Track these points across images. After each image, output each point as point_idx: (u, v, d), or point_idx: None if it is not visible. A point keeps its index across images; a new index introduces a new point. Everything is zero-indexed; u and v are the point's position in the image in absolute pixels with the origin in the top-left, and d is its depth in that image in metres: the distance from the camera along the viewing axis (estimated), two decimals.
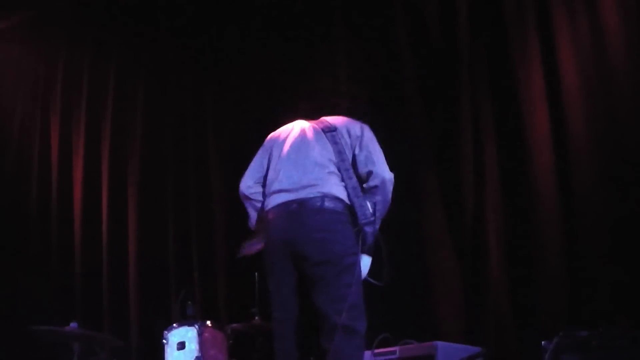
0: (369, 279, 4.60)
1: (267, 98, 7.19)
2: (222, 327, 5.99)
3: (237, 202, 6.94)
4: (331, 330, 4.25)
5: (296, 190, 4.48)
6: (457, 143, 6.22)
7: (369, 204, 4.50)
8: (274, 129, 4.92)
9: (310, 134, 4.70)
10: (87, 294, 8.13)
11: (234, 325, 6.09)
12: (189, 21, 8.01)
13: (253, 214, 4.78)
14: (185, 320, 5.92)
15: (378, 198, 4.54)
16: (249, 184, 4.76)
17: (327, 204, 4.41)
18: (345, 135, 4.63)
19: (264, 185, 4.72)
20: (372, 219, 4.47)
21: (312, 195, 4.43)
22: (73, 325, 6.22)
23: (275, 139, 4.80)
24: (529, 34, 5.99)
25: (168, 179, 7.86)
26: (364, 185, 4.55)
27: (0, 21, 9.26)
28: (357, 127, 4.69)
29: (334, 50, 7.00)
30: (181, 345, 5.75)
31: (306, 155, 4.59)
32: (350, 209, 4.46)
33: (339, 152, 4.57)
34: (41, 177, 8.83)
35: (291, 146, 4.67)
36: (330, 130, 4.66)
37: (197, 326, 5.76)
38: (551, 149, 5.74)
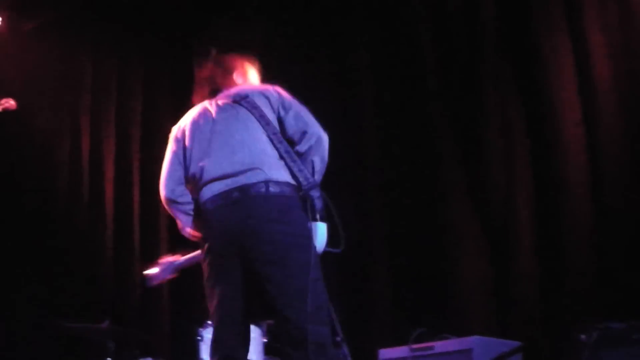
0: (328, 248, 4.09)
1: None
2: (258, 324, 5.98)
3: None
4: (295, 339, 3.82)
5: (232, 175, 3.99)
6: (485, 131, 6.19)
7: (307, 167, 4.10)
8: None
9: (223, 109, 4.20)
10: (120, 292, 8.17)
11: (270, 321, 6.08)
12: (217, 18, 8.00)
13: (186, 218, 4.21)
14: None
15: (316, 158, 4.14)
16: (171, 187, 4.21)
17: (273, 189, 3.93)
18: (262, 98, 4.18)
19: (188, 182, 4.21)
20: (314, 181, 4.05)
21: (254, 181, 3.94)
22: (106, 322, 6.27)
23: (184, 129, 4.29)
24: (557, 20, 5.94)
25: None
26: (297, 149, 4.11)
27: (27, 22, 9.30)
28: (270, 89, 4.24)
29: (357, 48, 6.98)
30: None
31: (229, 134, 4.11)
32: (296, 187, 4.00)
33: (262, 117, 4.11)
34: (72, 175, 8.87)
35: (209, 130, 4.16)
36: (242, 98, 4.18)
37: None
38: (582, 136, 5.70)
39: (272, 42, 7.34)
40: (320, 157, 4.17)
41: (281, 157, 4.06)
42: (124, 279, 8.13)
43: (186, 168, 4.22)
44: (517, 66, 6.10)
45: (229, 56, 4.62)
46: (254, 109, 4.13)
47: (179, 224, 4.26)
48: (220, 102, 4.27)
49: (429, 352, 5.27)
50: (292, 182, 4.03)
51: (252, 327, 5.76)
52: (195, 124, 4.27)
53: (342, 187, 6.79)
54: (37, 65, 9.27)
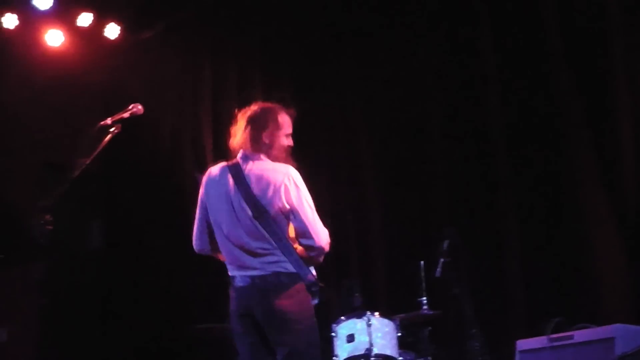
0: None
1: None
2: (391, 318, 5.94)
3: (394, 193, 6.95)
4: None
5: (245, 269, 4.62)
6: (615, 118, 6.02)
7: (311, 270, 4.61)
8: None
9: (241, 217, 4.65)
10: None
11: (402, 315, 6.04)
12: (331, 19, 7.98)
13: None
14: (352, 312, 5.91)
15: (318, 260, 4.65)
16: (200, 247, 4.93)
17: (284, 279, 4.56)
18: (276, 214, 4.61)
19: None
20: (315, 282, 4.56)
21: (267, 273, 4.56)
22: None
23: (207, 197, 4.86)
24: None
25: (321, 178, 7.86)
26: (305, 251, 4.61)
27: (145, 30, 9.49)
28: (281, 191, 4.62)
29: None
30: (350, 338, 5.72)
31: (242, 244, 4.63)
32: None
33: (274, 234, 4.57)
34: (196, 180, 8.97)
35: (226, 224, 4.69)
36: (260, 216, 4.60)
37: (366, 317, 5.72)
38: None
39: None
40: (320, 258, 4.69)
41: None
42: None
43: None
44: None
45: None
46: (267, 226, 4.61)
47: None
48: (242, 205, 4.70)
49: (568, 341, 5.14)
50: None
51: (386, 322, 5.77)
52: (217, 201, 4.85)
53: (471, 182, 6.74)
54: (158, 71, 9.44)
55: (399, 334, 5.84)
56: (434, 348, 6.10)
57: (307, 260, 4.62)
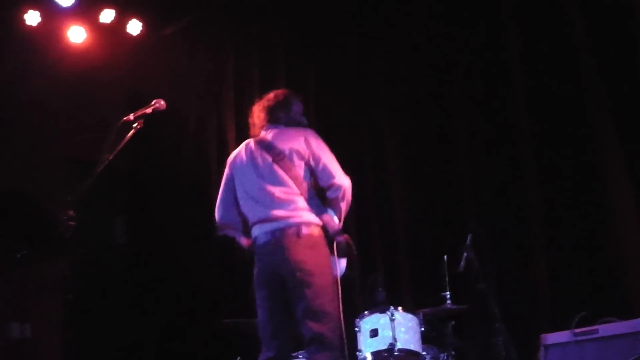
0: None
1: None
2: (414, 313, 5.93)
3: (417, 188, 6.93)
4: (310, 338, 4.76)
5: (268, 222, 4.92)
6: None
7: (334, 215, 4.93)
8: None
9: (261, 165, 5.03)
10: None
11: (425, 310, 6.03)
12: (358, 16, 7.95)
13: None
14: (376, 307, 5.90)
15: (342, 205, 4.94)
16: (220, 217, 5.32)
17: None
18: (295, 157, 4.95)
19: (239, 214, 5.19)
20: (339, 228, 4.92)
21: (288, 225, 4.86)
22: None
23: (233, 169, 5.25)
24: None
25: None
26: (327, 195, 4.95)
27: (167, 26, 9.52)
28: (301, 141, 5.00)
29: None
30: (374, 333, 5.69)
31: (264, 193, 4.97)
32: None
33: (295, 178, 4.92)
34: (220, 174, 8.96)
35: (249, 181, 5.07)
36: (280, 159, 4.96)
37: (389, 312, 5.71)
38: None
39: None
40: (345, 203, 4.99)
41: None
42: None
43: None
44: None
45: None
46: (288, 170, 4.96)
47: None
48: (263, 154, 5.11)
49: (593, 335, 5.12)
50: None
51: (410, 316, 5.76)
52: (242, 167, 5.25)
53: (496, 175, 6.71)
54: (181, 66, 9.47)
55: (423, 329, 5.82)
56: (458, 342, 6.08)
57: (332, 205, 4.91)
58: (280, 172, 4.94)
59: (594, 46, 6.23)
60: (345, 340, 4.85)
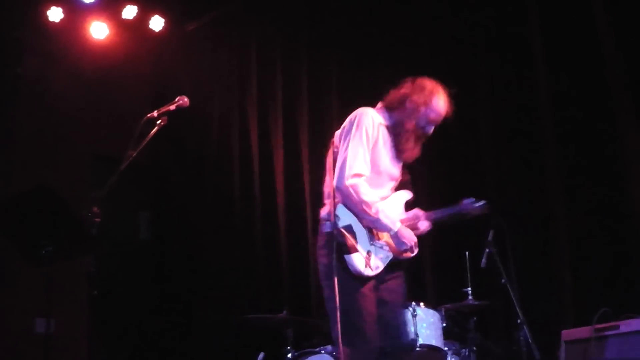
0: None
1: None
2: (436, 308, 5.95)
3: (440, 183, 6.92)
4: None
5: None
6: None
7: (340, 216, 4.70)
8: None
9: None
10: (295, 283, 8.25)
11: (447, 306, 6.04)
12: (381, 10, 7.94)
13: None
14: None
15: (337, 201, 4.67)
16: None
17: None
18: (335, 145, 4.83)
19: None
20: (330, 222, 4.63)
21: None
22: (284, 312, 6.38)
23: None
24: None
25: None
26: None
27: (190, 22, 9.56)
28: (345, 130, 4.85)
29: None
30: None
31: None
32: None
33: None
34: (243, 170, 9.01)
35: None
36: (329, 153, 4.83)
37: (411, 308, 5.72)
38: None
39: None
40: (344, 202, 4.72)
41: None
42: (299, 268, 8.20)
43: None
44: None
45: None
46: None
47: None
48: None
49: (614, 331, 5.09)
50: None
51: (431, 312, 5.78)
52: None
53: (518, 171, 6.70)
54: (204, 62, 9.51)
55: (444, 325, 5.85)
56: (479, 338, 6.09)
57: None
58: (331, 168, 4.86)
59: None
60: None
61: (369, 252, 4.72)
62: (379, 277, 4.77)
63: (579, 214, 6.29)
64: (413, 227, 4.93)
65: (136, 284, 9.32)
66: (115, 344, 8.62)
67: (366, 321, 4.63)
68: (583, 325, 5.28)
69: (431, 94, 4.91)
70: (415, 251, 4.85)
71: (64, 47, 9.03)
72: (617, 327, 5.08)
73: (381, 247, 4.79)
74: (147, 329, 9.17)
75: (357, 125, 4.78)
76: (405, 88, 4.99)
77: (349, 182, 4.66)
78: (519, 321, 5.38)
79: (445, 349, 5.78)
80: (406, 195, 5.08)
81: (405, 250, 4.80)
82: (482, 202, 5.09)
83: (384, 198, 4.91)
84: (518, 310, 5.35)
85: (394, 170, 4.98)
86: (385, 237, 4.79)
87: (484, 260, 5.55)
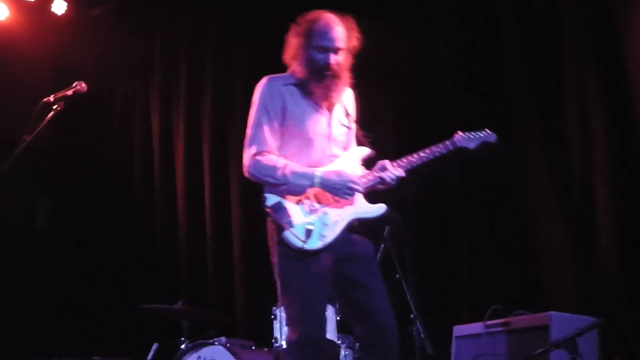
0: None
1: None
2: (330, 302, 5.96)
3: None
4: None
5: None
6: (562, 111, 6.07)
7: (272, 191, 4.35)
8: None
9: None
10: (193, 273, 8.24)
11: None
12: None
13: None
14: None
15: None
16: None
17: None
18: None
19: None
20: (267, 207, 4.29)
21: None
22: (180, 303, 6.35)
23: None
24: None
25: None
26: None
27: (97, 7, 9.42)
28: None
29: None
30: None
31: None
32: None
33: None
34: (143, 158, 8.95)
35: None
36: None
37: None
38: None
39: None
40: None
41: None
42: (197, 259, 8.17)
43: None
44: (595, 45, 5.94)
45: None
46: None
47: None
48: None
49: (504, 328, 5.22)
50: None
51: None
52: None
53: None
54: (107, 48, 9.39)
55: (338, 318, 5.86)
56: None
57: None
58: None
59: None
60: None
61: (309, 224, 4.26)
62: (332, 249, 4.31)
63: (475, 211, 6.39)
64: (381, 183, 4.45)
65: (31, 271, 9.14)
66: (4, 333, 8.43)
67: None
68: (478, 321, 5.40)
69: (309, 24, 4.47)
70: (358, 188, 4.34)
71: None
72: (508, 323, 5.21)
73: (325, 214, 4.34)
74: (38, 318, 9.00)
75: (253, 102, 4.50)
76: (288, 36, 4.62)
77: (248, 165, 4.38)
78: (412, 316, 5.44)
79: (339, 342, 5.80)
80: (359, 151, 4.60)
81: (343, 194, 4.31)
82: (486, 133, 4.74)
83: (328, 162, 4.46)
84: (412, 305, 5.41)
85: (321, 126, 4.48)
86: (323, 199, 4.36)
87: (378, 255, 5.58)
